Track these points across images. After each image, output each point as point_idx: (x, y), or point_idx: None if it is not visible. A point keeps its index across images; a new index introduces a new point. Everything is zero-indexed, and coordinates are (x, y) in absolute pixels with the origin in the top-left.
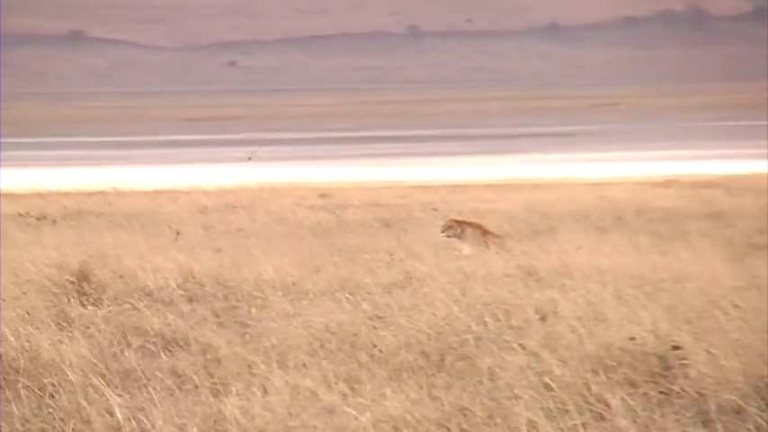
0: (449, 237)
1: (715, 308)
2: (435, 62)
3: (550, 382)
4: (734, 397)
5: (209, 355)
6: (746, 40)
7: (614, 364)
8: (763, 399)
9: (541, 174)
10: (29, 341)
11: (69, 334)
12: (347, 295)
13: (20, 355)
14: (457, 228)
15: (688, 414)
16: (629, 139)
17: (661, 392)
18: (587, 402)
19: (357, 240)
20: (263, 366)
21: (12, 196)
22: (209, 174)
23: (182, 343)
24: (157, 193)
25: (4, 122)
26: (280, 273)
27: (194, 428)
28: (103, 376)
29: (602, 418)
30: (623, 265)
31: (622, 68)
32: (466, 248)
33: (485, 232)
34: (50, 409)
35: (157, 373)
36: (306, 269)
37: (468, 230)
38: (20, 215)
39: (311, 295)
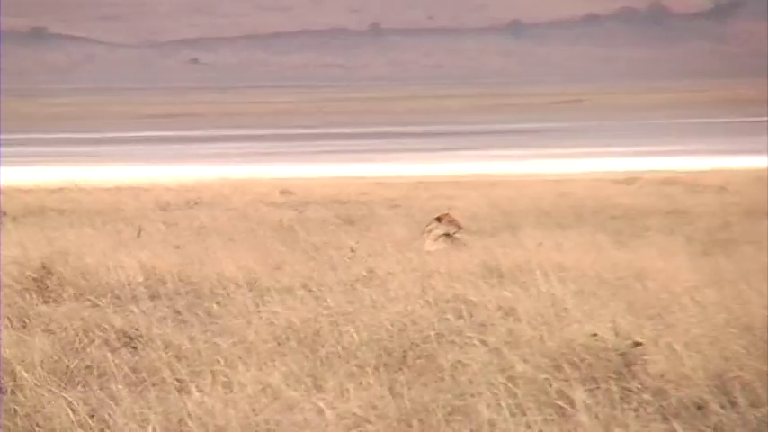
0: (443, 233)
1: (676, 304)
2: (397, 60)
3: (512, 379)
4: (694, 393)
5: (171, 352)
6: (707, 38)
7: (576, 360)
8: (723, 394)
9: (503, 170)
10: None
11: (30, 331)
12: (309, 292)
13: None
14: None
15: (649, 410)
16: (590, 136)
17: (622, 388)
18: (549, 398)
19: (319, 237)
20: (225, 363)
21: None
22: (171, 171)
23: (144, 339)
24: (119, 189)
25: None
26: (242, 269)
27: (156, 425)
28: (65, 373)
29: (563, 414)
30: (584, 261)
31: (584, 66)
32: (429, 245)
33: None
34: (14, 406)
35: (119, 369)
36: (268, 266)
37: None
38: None
39: (273, 292)
